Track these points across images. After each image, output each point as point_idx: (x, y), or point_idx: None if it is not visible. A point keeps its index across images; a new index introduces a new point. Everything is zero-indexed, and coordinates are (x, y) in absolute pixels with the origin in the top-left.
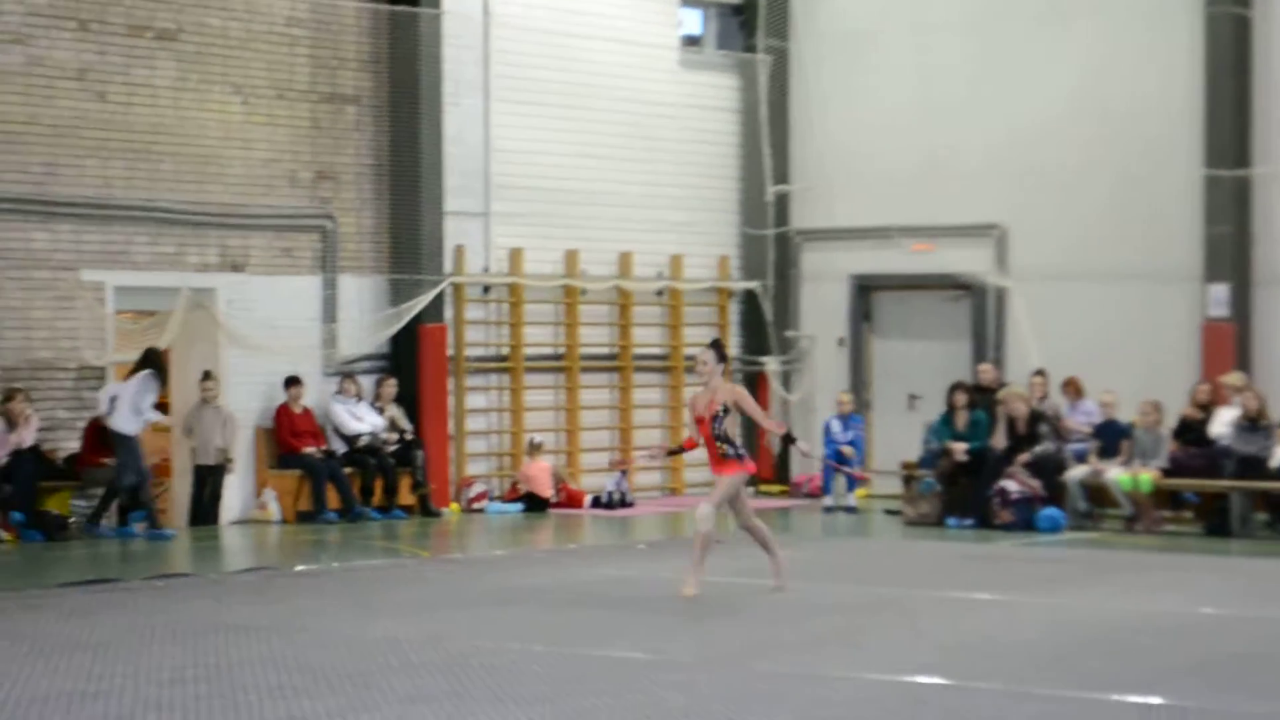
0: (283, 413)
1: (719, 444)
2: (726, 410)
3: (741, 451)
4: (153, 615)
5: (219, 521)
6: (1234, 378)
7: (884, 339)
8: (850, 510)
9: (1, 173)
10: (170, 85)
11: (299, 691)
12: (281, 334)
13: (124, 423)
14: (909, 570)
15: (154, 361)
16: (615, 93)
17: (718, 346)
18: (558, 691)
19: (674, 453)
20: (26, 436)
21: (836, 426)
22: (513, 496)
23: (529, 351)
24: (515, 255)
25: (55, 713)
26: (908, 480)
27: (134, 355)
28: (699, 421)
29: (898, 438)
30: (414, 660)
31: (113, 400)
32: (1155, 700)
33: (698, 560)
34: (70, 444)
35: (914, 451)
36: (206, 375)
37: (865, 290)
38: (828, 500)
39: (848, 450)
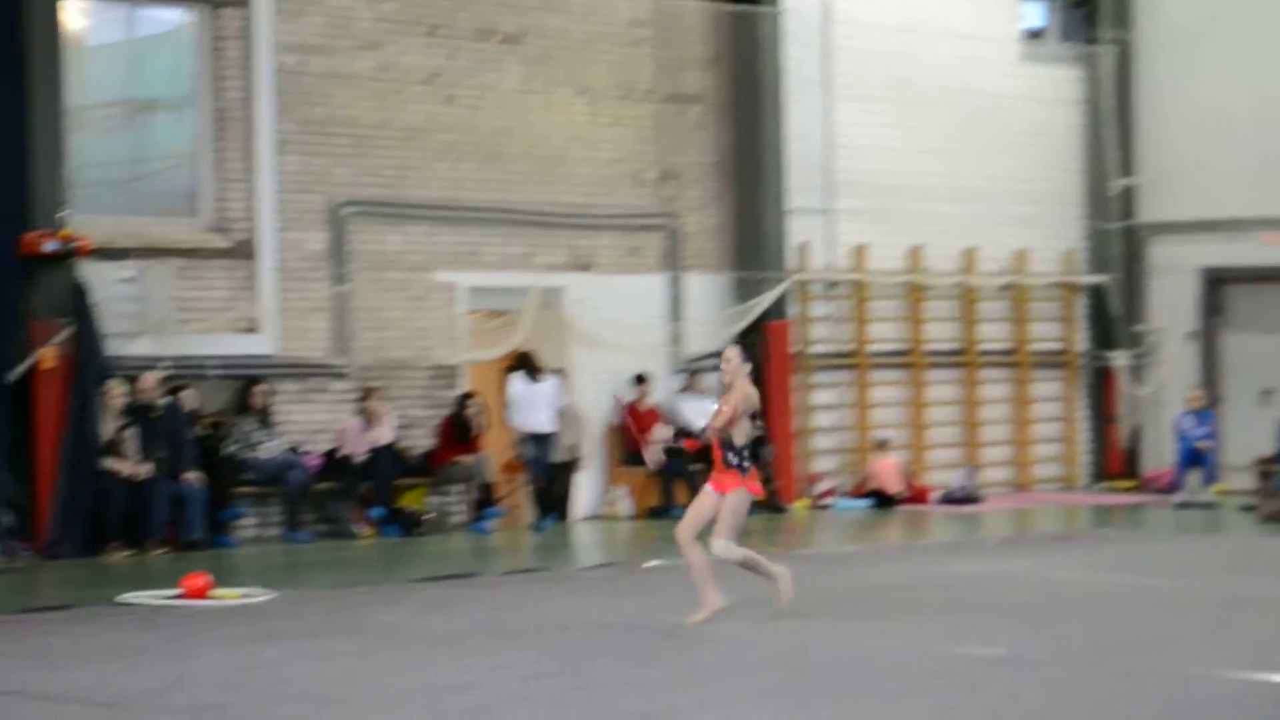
0: (631, 410)
1: (724, 450)
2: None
3: (746, 464)
4: (509, 610)
5: (569, 518)
6: None
7: (1235, 333)
8: (1204, 506)
9: (356, 177)
10: (516, 88)
11: (655, 686)
12: (628, 332)
13: (547, 423)
14: (1265, 566)
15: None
16: (956, 87)
17: (743, 346)
18: (913, 688)
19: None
20: (384, 434)
21: (1189, 422)
22: (860, 492)
23: (873, 348)
24: (859, 252)
25: (421, 705)
26: (1263, 475)
27: (486, 355)
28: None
29: (1251, 433)
30: (765, 655)
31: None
32: None
33: (704, 581)
34: (423, 441)
35: (1267, 447)
36: (557, 374)
37: (1215, 283)
38: (1180, 496)
39: (1205, 445)
